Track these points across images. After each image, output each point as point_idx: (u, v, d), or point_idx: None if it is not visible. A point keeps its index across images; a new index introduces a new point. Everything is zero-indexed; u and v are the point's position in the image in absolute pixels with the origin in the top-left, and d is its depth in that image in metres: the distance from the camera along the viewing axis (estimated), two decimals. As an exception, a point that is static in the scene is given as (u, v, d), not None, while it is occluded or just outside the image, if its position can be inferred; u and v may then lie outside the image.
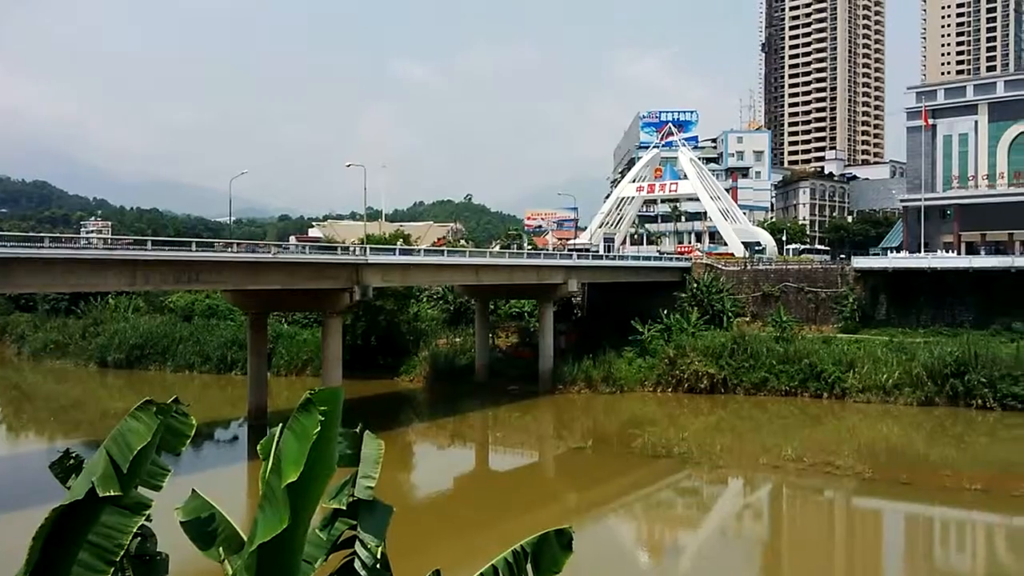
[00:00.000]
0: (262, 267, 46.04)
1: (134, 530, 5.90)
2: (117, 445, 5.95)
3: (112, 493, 5.73)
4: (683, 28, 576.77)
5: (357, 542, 6.75)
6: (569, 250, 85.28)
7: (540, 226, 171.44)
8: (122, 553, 5.79)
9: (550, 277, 65.27)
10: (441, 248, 72.05)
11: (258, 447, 6.66)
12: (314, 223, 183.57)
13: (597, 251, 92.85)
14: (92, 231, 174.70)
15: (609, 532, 37.29)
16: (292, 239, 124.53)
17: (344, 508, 6.92)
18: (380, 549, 6.66)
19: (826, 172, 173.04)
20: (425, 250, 62.85)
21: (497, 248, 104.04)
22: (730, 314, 71.99)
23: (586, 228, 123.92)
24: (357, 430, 7.32)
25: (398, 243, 70.01)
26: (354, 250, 52.81)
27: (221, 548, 6.86)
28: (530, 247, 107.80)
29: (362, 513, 6.87)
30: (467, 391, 65.95)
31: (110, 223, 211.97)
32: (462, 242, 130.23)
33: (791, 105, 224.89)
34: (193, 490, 7.33)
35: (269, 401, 55.24)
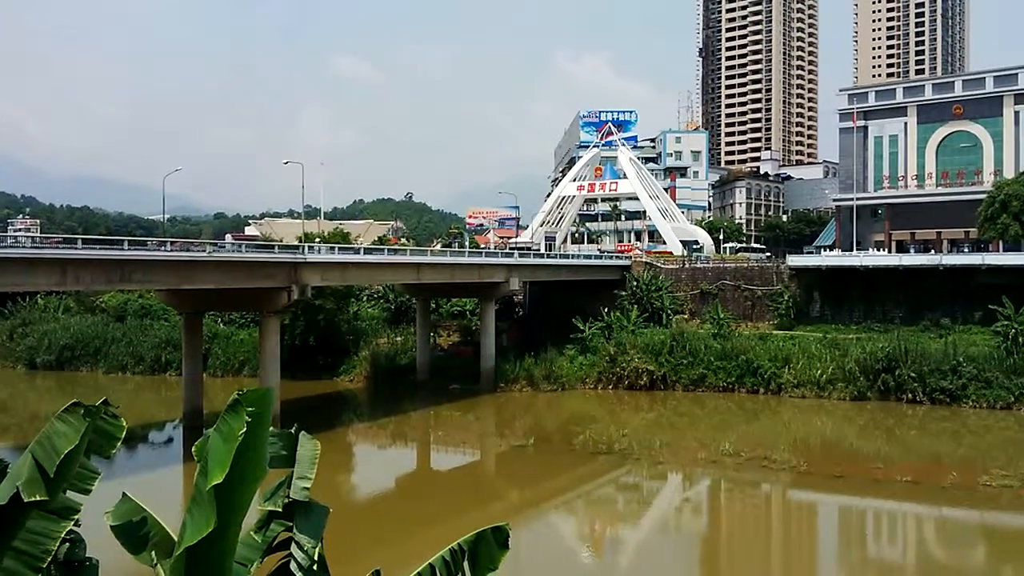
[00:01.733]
0: (197, 266, 45.05)
1: (62, 535, 5.74)
2: (43, 448, 5.76)
3: (38, 498, 5.55)
4: (622, 29, 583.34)
5: (293, 544, 6.63)
6: (511, 248, 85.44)
7: (482, 224, 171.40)
8: (49, 559, 5.63)
9: (492, 275, 65.27)
10: (381, 247, 71.42)
11: (193, 449, 6.49)
12: (251, 221, 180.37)
13: (538, 250, 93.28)
14: (20, 229, 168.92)
15: (551, 529, 37.44)
16: (228, 237, 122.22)
17: (279, 510, 6.80)
18: (317, 550, 6.56)
19: (762, 172, 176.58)
20: (365, 249, 62.25)
21: (438, 246, 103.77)
22: (669, 312, 72.95)
23: (527, 227, 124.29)
24: (292, 430, 7.18)
25: (337, 241, 69.23)
26: (301, 248, 51.91)
27: (153, 552, 6.69)
28: (471, 246, 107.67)
29: (298, 514, 6.75)
30: (408, 390, 65.61)
31: (39, 221, 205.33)
32: (403, 240, 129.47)
33: (728, 106, 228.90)
34: (124, 493, 7.12)
35: (205, 402, 54.11)
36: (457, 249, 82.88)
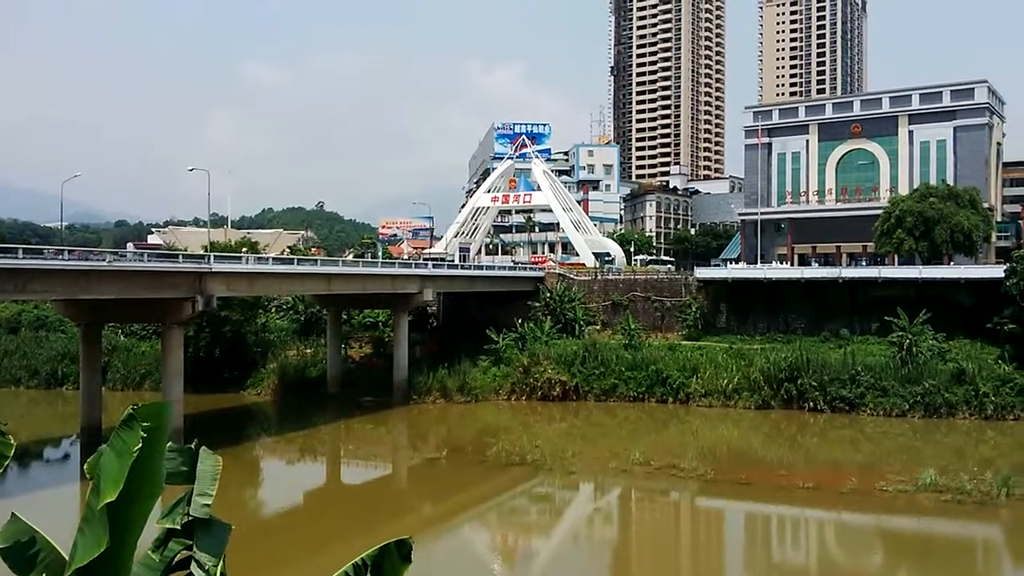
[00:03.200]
0: (96, 275, 43.27)
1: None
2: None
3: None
4: (536, 42, 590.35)
5: (193, 563, 6.41)
6: (424, 259, 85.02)
7: (395, 235, 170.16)
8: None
9: (405, 286, 64.77)
10: (291, 256, 70.09)
11: (85, 466, 6.18)
12: (154, 229, 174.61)
13: (453, 261, 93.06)
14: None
15: (464, 541, 37.26)
16: (130, 246, 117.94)
17: (179, 528, 6.54)
18: (219, 569, 6.34)
19: (671, 186, 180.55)
20: (274, 258, 60.98)
21: (350, 257, 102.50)
22: (582, 323, 73.75)
23: (441, 237, 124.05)
24: (192, 446, 6.91)
25: (244, 251, 67.62)
26: (207, 258, 50.37)
27: (44, 575, 6.34)
28: (385, 256, 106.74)
29: (198, 532, 6.51)
30: (318, 403, 64.40)
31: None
32: (314, 250, 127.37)
33: (639, 121, 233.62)
34: (13, 514, 6.75)
35: (104, 417, 52.02)
36: (370, 259, 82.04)
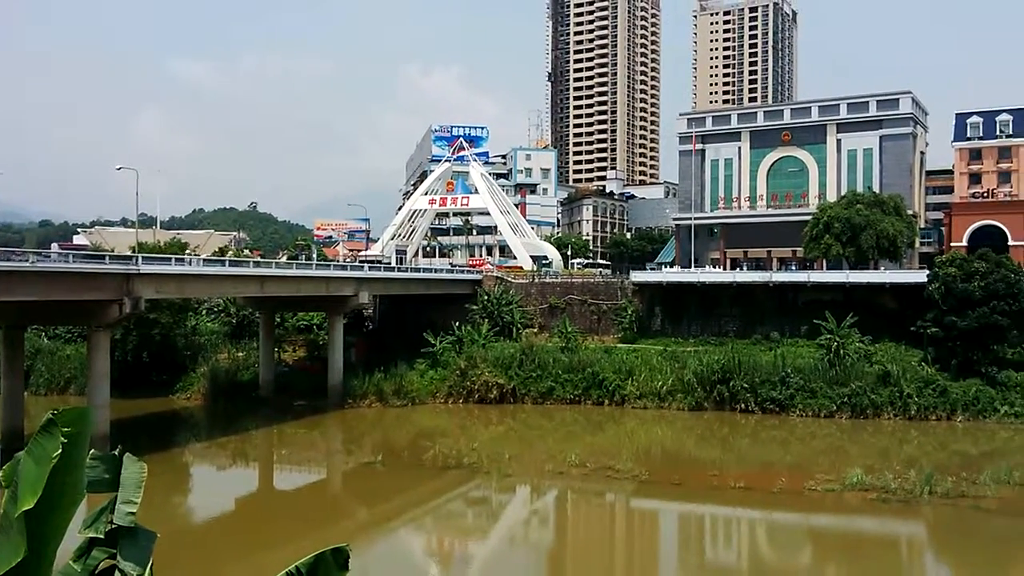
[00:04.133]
0: (18, 277, 41.69)
1: None
2: None
3: None
4: (473, 45, 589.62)
5: (117, 572, 6.18)
6: (360, 262, 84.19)
7: (330, 237, 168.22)
8: None
9: (340, 289, 63.98)
10: (222, 258, 68.63)
11: (0, 474, 5.87)
12: (80, 230, 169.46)
13: (389, 263, 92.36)
14: None
15: (399, 546, 36.96)
16: (54, 247, 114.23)
17: (101, 536, 6.29)
18: (145, 577, 6.08)
19: (607, 191, 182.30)
20: (204, 260, 59.63)
21: (284, 259, 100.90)
22: (519, 325, 73.88)
23: (378, 240, 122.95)
24: (116, 452, 6.65)
25: (174, 252, 66.02)
26: (134, 259, 48.91)
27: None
28: (320, 258, 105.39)
29: (122, 541, 6.28)
30: (250, 408, 63.19)
31: None
32: (246, 252, 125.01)
33: (576, 126, 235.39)
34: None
35: (26, 423, 50.25)
36: (304, 261, 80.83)
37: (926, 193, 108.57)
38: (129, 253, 54.37)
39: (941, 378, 57.78)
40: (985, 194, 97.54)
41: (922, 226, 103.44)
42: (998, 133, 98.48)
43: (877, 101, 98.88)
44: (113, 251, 73.45)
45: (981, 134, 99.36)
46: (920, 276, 65.47)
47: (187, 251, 77.85)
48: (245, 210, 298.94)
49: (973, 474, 41.06)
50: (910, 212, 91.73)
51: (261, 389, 66.42)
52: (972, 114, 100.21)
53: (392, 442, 53.83)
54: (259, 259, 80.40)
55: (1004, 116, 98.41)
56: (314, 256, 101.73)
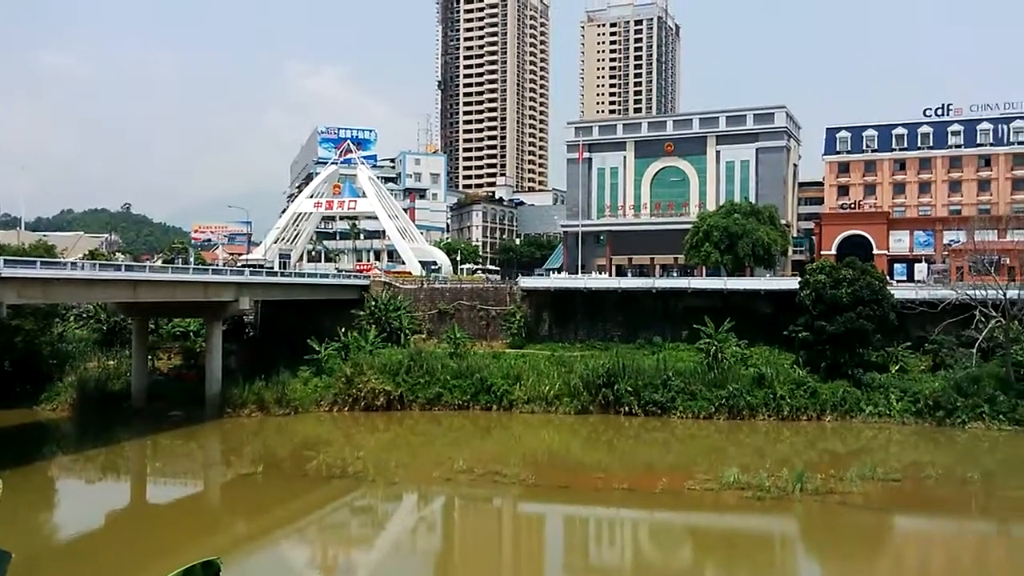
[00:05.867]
0: None
1: None
2: None
3: None
4: (361, 46, 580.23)
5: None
6: (241, 266, 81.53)
7: (209, 240, 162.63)
8: None
9: (219, 294, 61.68)
10: (92, 261, 65.05)
11: None
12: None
13: (272, 267, 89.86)
14: None
15: (281, 558, 35.84)
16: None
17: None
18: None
19: (497, 197, 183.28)
20: (72, 263, 56.35)
21: (159, 263, 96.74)
22: (407, 331, 73.11)
23: (260, 243, 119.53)
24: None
25: (40, 255, 62.27)
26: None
27: None
28: (197, 262, 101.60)
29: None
30: (122, 419, 60.19)
31: None
32: (118, 255, 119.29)
33: (466, 131, 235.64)
34: None
35: None
36: (180, 265, 77.64)
37: (798, 204, 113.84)
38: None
39: (812, 380, 60.37)
40: (852, 205, 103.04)
41: (795, 235, 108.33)
42: (864, 148, 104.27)
43: (754, 115, 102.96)
44: (-31, 253, 68.87)
45: (849, 148, 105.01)
46: (792, 283, 68.30)
47: (55, 254, 73.72)
48: (118, 211, 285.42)
49: (841, 471, 43.00)
50: (784, 222, 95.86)
51: (134, 399, 63.35)
52: (841, 129, 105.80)
53: (273, 452, 52.26)
54: (132, 263, 76.70)
55: (870, 132, 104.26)
56: (191, 260, 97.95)
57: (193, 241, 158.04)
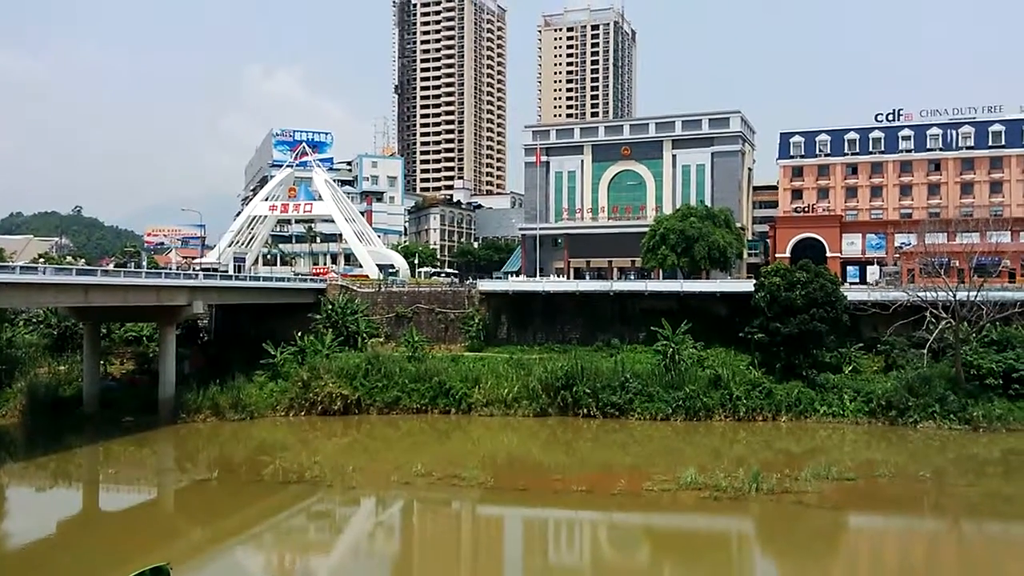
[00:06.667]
0: None
1: None
2: None
3: None
4: (318, 49, 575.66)
5: None
6: (195, 270, 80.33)
7: (163, 243, 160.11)
8: None
9: (172, 298, 60.73)
10: (43, 265, 63.62)
11: None
12: None
13: (226, 271, 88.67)
14: None
15: (236, 564, 35.39)
16: None
17: None
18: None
19: (455, 200, 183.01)
20: (21, 267, 55.03)
21: (111, 266, 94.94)
22: (365, 335, 72.68)
23: (215, 247, 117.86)
24: None
25: None
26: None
27: None
28: (150, 265, 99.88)
29: None
30: (73, 425, 58.89)
31: None
32: (69, 259, 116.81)
33: (423, 135, 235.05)
34: None
35: None
36: (133, 269, 76.34)
37: (753, 207, 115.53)
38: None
39: (767, 381, 61.23)
40: (806, 209, 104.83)
41: (750, 238, 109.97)
42: (817, 152, 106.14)
43: (709, 119, 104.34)
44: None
45: (803, 152, 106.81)
46: (748, 285, 69.24)
47: (3, 257, 72.00)
48: (69, 214, 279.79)
49: (795, 471, 43.71)
50: (739, 225, 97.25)
51: (85, 405, 62.06)
52: (795, 134, 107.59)
53: (229, 458, 51.56)
54: (83, 266, 75.19)
55: (823, 136, 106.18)
56: (144, 264, 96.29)
57: (146, 245, 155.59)
